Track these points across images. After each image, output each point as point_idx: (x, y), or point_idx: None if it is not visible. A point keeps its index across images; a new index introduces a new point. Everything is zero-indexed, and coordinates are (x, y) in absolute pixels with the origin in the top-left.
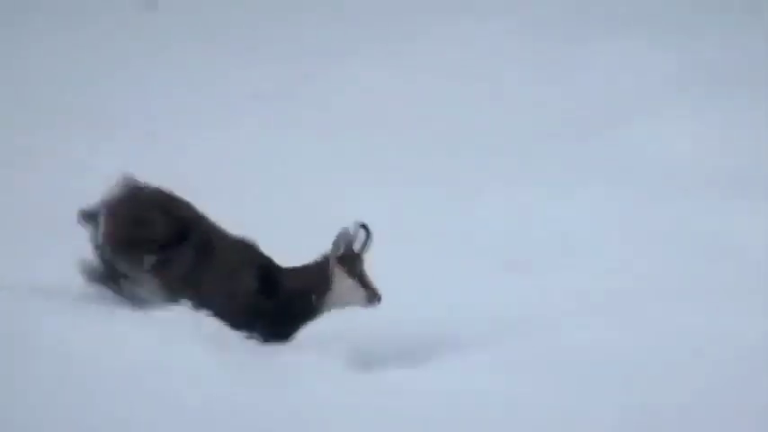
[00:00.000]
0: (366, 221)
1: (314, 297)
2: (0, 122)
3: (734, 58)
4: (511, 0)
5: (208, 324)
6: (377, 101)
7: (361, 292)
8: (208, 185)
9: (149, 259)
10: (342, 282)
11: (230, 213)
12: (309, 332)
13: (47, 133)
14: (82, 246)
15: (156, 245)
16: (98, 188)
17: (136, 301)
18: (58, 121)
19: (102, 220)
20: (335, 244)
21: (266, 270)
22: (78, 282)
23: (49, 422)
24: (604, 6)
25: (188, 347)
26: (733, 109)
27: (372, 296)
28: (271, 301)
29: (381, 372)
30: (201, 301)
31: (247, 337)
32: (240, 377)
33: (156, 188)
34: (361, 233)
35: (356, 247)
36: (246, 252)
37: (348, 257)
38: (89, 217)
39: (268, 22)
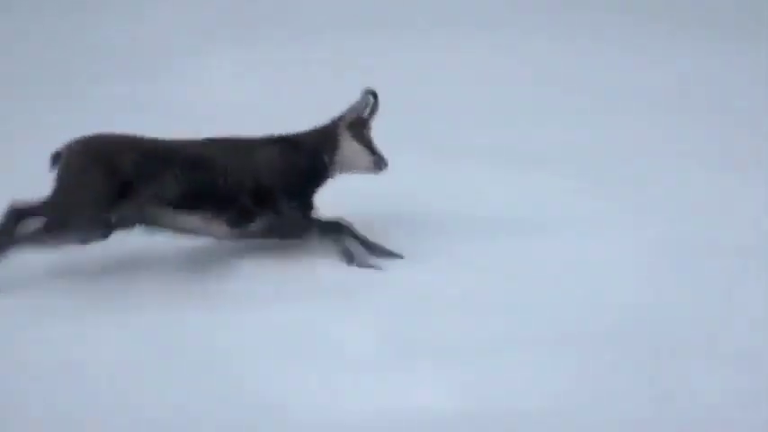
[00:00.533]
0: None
1: (325, 157)
2: None
3: None
4: None
5: None
6: None
7: (367, 157)
8: None
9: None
10: (349, 145)
11: None
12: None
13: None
14: None
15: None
16: None
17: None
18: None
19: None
20: (348, 110)
21: (288, 142)
22: None
23: None
24: None
25: None
26: None
27: (379, 161)
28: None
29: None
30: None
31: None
32: None
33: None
34: (370, 100)
35: (365, 113)
36: (250, 141)
37: (356, 123)
38: (55, 158)
39: None
